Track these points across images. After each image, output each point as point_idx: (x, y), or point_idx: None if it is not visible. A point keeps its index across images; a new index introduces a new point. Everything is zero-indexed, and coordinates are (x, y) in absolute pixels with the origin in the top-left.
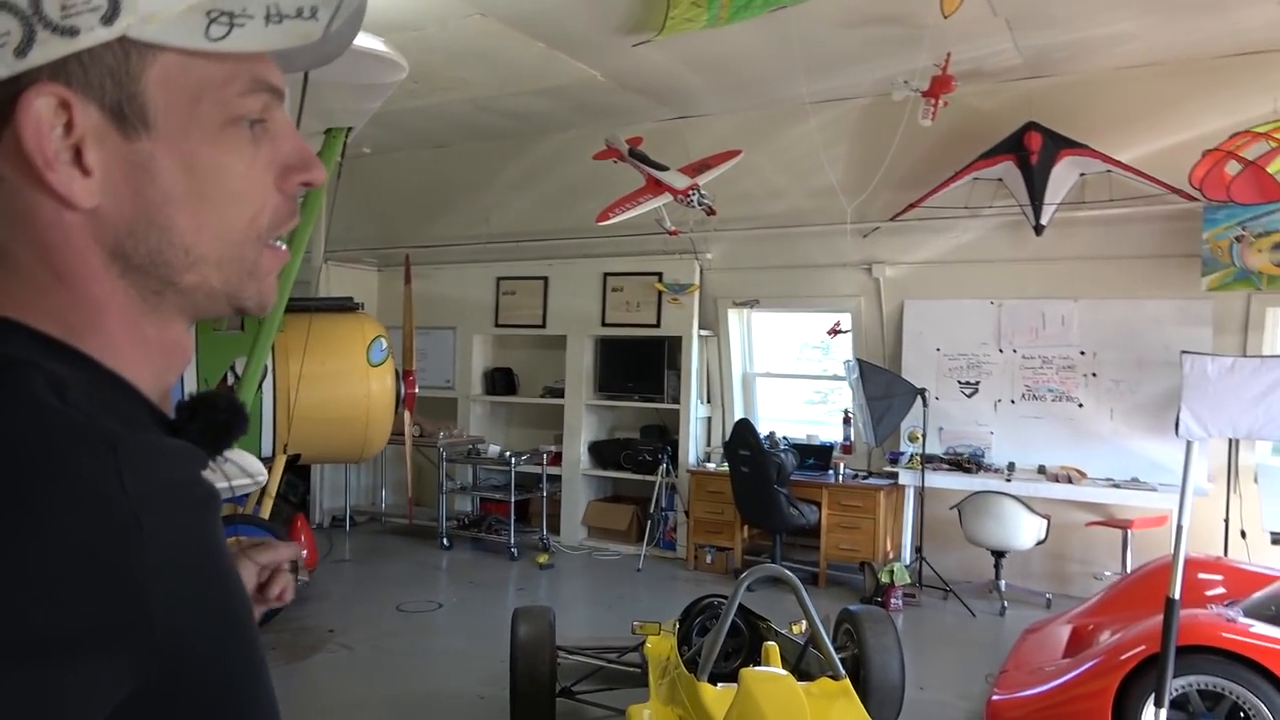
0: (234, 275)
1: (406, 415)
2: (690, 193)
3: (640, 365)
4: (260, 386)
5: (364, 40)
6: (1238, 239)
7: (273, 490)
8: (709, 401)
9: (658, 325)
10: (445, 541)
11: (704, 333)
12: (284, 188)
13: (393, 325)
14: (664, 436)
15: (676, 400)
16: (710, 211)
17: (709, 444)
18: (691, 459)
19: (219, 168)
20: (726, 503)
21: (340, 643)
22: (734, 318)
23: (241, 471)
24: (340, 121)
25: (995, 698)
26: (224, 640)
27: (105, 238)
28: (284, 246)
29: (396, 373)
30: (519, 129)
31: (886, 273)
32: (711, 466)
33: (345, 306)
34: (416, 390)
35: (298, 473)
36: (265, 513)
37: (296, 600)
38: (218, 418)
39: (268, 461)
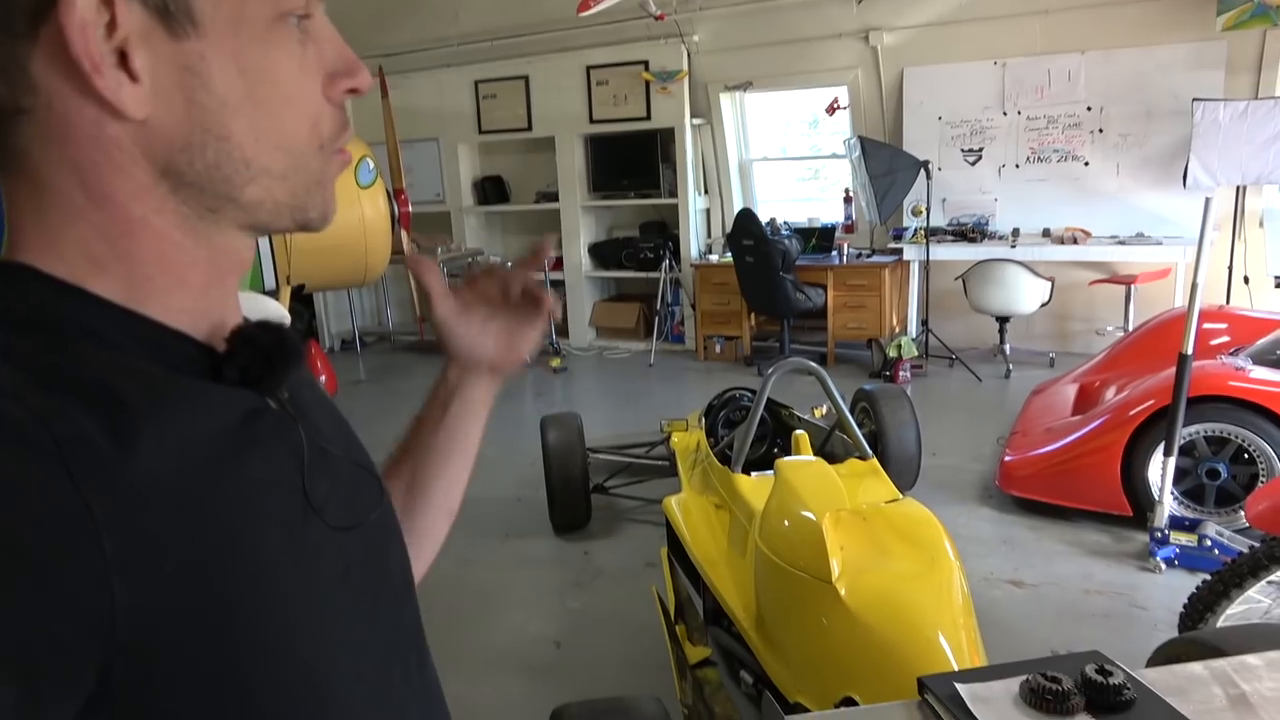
0: (300, 188)
1: (404, 234)
2: None
3: (633, 161)
4: None
5: None
6: None
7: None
8: (706, 192)
9: (648, 118)
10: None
11: (696, 121)
12: (331, 95)
13: (375, 143)
14: (664, 232)
15: (674, 194)
16: None
17: (709, 236)
18: (694, 252)
19: (273, 69)
20: (732, 293)
21: None
22: (727, 103)
23: (263, 315)
24: None
25: (1008, 458)
26: (221, 619)
27: (157, 153)
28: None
29: (387, 192)
30: None
31: (884, 40)
32: (715, 258)
33: None
34: (410, 208)
35: (302, 301)
36: None
37: None
38: (257, 357)
39: (272, 294)
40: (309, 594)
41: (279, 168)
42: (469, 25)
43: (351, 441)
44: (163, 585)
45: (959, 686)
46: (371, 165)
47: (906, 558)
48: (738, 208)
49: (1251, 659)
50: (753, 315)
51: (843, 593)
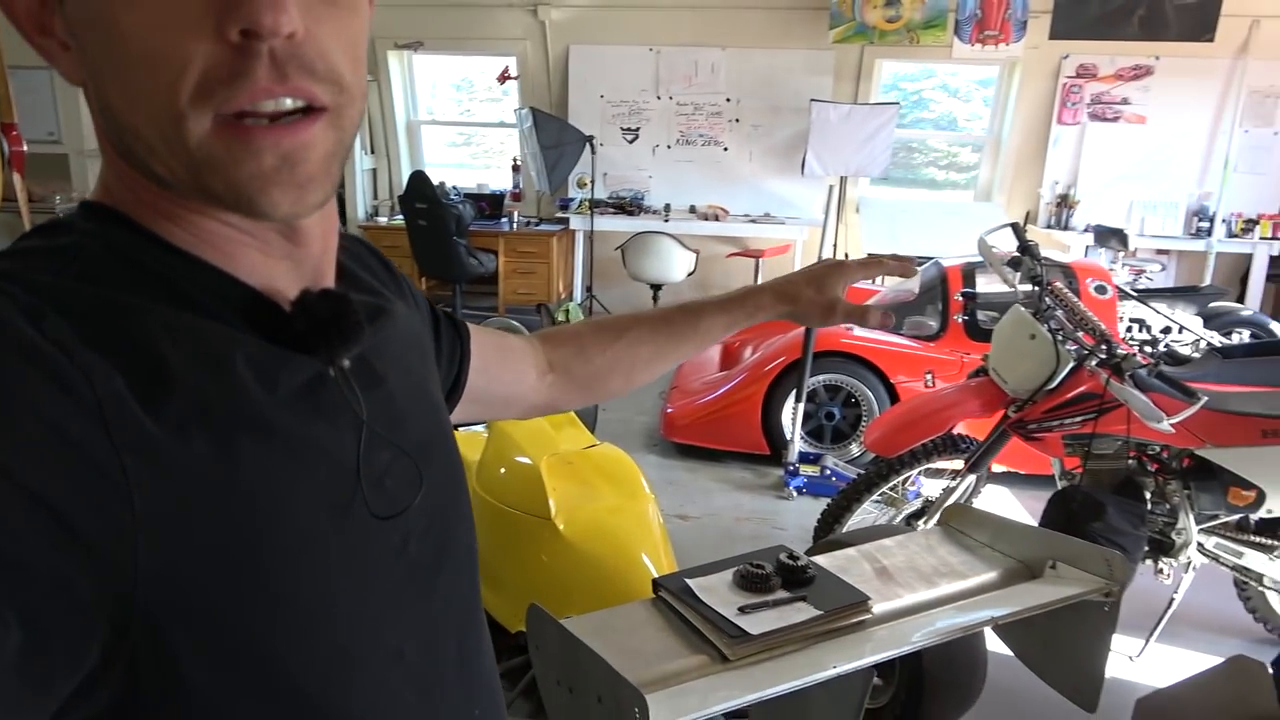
0: (183, 167)
1: (16, 178)
2: None
3: None
4: None
5: None
6: None
7: None
8: (373, 152)
9: None
10: None
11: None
12: (228, 38)
13: None
14: None
15: None
16: None
17: (375, 197)
18: (360, 214)
19: (115, 23)
20: (403, 256)
21: None
22: (395, 62)
23: None
24: None
25: (668, 410)
26: (247, 589)
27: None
28: (287, 124)
29: None
30: None
31: (552, 15)
32: (384, 220)
33: None
34: (25, 148)
35: None
36: None
37: None
38: (313, 323)
39: None
40: (352, 570)
41: (155, 138)
42: None
43: (431, 410)
44: (190, 550)
45: (688, 581)
46: None
47: (610, 494)
48: (406, 169)
49: (886, 541)
50: (423, 279)
51: (561, 527)
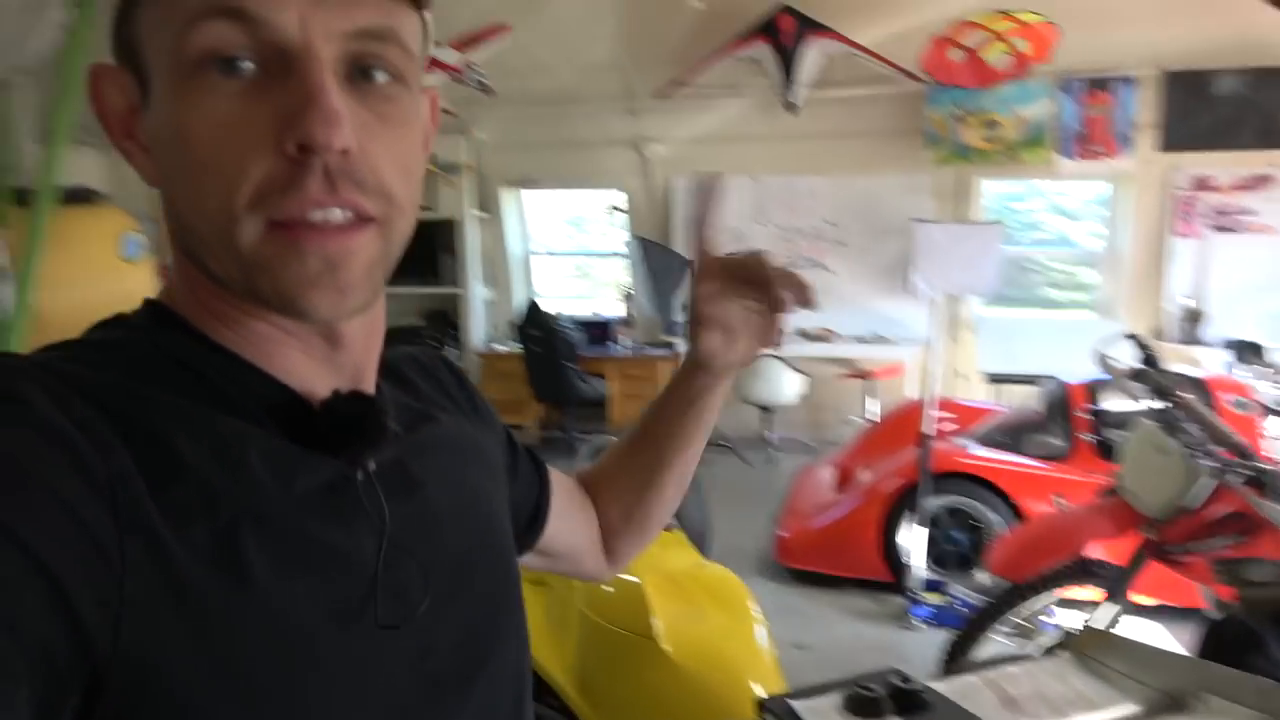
0: (235, 266)
1: None
2: (463, 70)
3: (416, 250)
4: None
5: None
6: (956, 118)
7: None
8: (491, 284)
9: (432, 209)
10: None
11: (479, 214)
12: (286, 151)
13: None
14: (447, 321)
15: (457, 284)
16: (486, 90)
17: (494, 326)
18: (478, 341)
19: (183, 130)
20: (519, 382)
21: None
22: (508, 197)
23: None
24: None
25: (782, 534)
26: (226, 698)
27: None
28: (323, 217)
29: (165, 268)
30: None
31: (656, 150)
32: (500, 348)
33: (80, 197)
34: None
35: None
36: None
37: None
38: (337, 424)
39: None
40: (352, 679)
41: (211, 239)
42: None
43: (478, 520)
44: (171, 637)
45: (793, 704)
46: (139, 240)
47: (718, 615)
48: (519, 299)
49: (1012, 668)
50: (538, 403)
51: (666, 648)
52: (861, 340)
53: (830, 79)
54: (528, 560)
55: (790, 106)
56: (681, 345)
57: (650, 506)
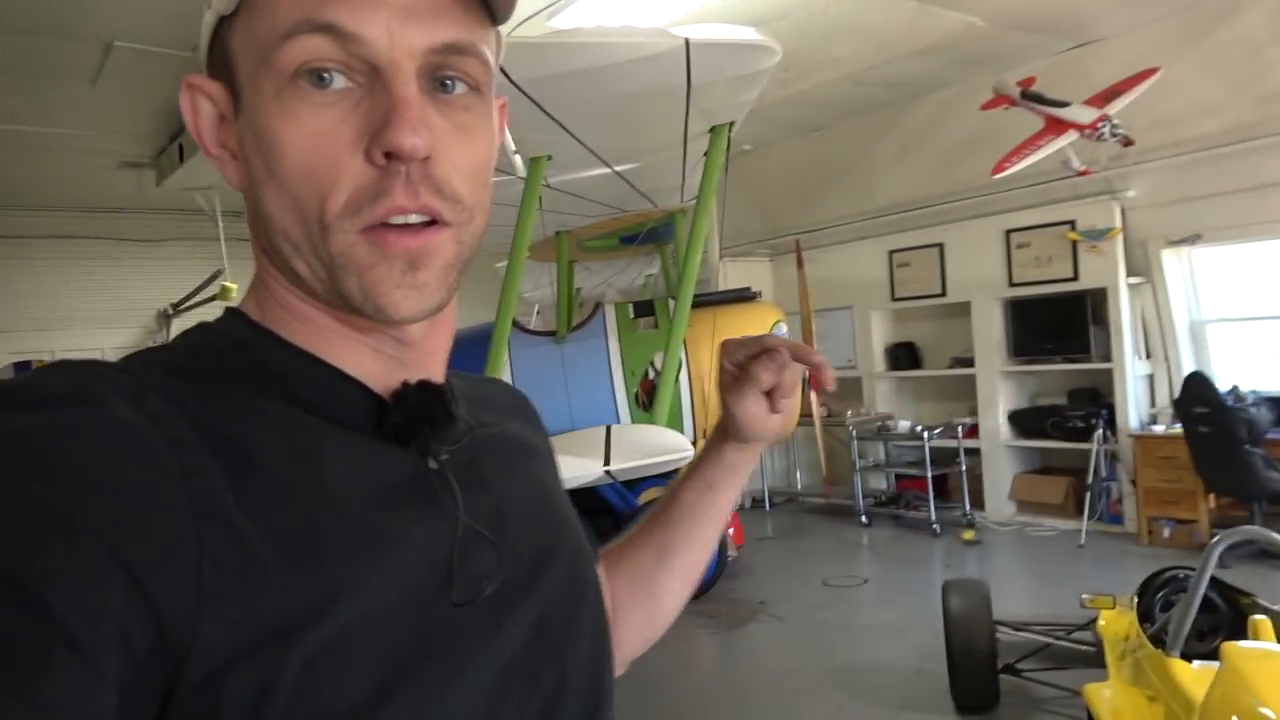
0: (323, 268)
1: (813, 396)
2: (1100, 125)
3: (1059, 324)
4: (678, 379)
5: (735, 32)
6: None
7: None
8: (1148, 357)
9: (1075, 279)
10: (864, 519)
11: (1133, 280)
12: (375, 160)
13: (790, 312)
14: (1096, 399)
15: (1107, 359)
16: (1127, 142)
17: (1153, 404)
18: (1133, 422)
19: (277, 139)
20: (1183, 469)
21: (771, 614)
22: (1171, 259)
23: (665, 449)
24: (721, 117)
25: None
26: (309, 675)
27: (251, 223)
28: (403, 220)
29: None
30: (895, 97)
31: None
32: (1159, 429)
33: (743, 297)
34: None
35: None
36: None
37: (728, 575)
38: (408, 413)
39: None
40: (429, 662)
41: (305, 243)
42: (884, 199)
43: (549, 517)
44: (249, 626)
45: None
46: (785, 330)
47: None
48: (1187, 373)
49: None
50: (1211, 496)
51: None
52: None
53: None
54: None
55: None
56: None
57: (657, 593)
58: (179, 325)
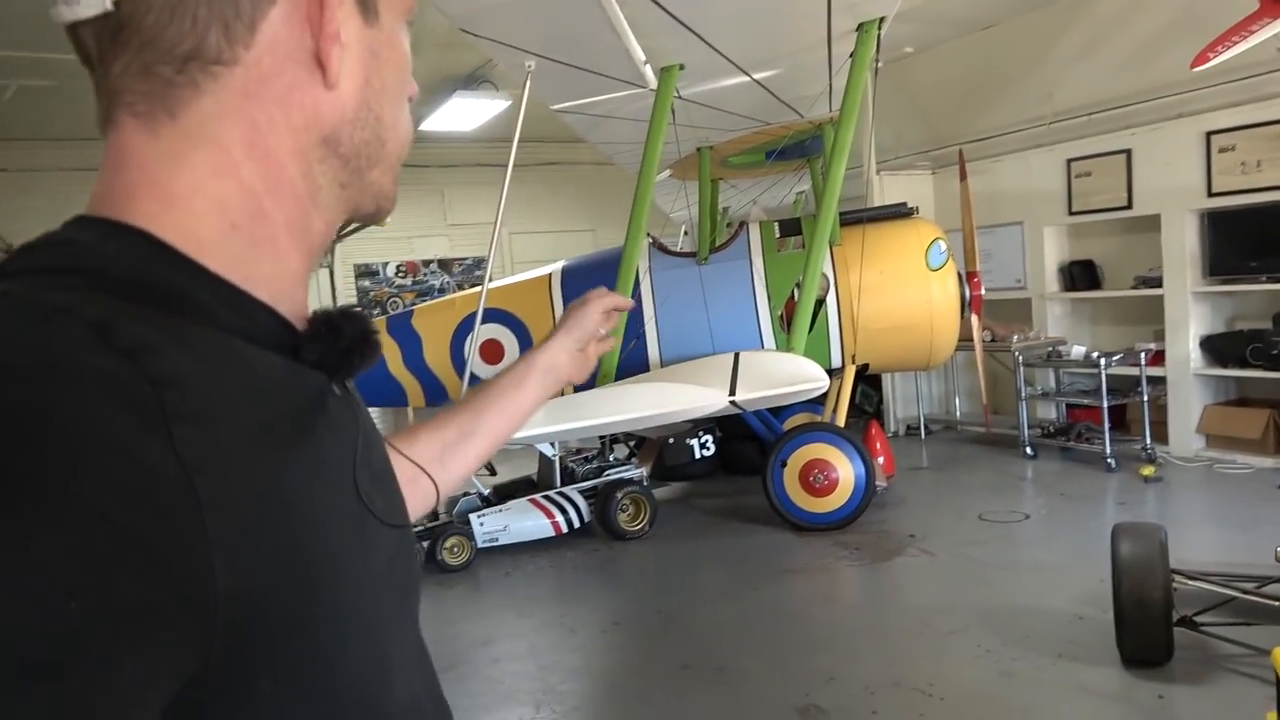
0: (390, 178)
1: (974, 319)
2: None
3: (1266, 239)
4: (824, 300)
5: None
6: None
7: (845, 400)
8: None
9: None
10: (1029, 450)
11: None
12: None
13: (952, 229)
14: None
15: None
16: None
17: None
18: None
19: (403, 63)
20: None
21: (920, 548)
22: None
23: (797, 379)
24: (868, 13)
25: None
26: (304, 599)
27: (327, 120)
28: None
29: (959, 276)
30: None
31: None
32: None
33: (898, 213)
34: (983, 292)
35: (870, 382)
36: (840, 421)
37: (876, 504)
38: (339, 343)
39: (837, 372)
40: (368, 580)
41: (395, 153)
42: (1063, 102)
43: (381, 442)
44: (258, 564)
45: None
46: (944, 248)
47: None
48: None
49: None
50: None
51: None
52: None
53: None
54: None
55: None
56: None
57: (449, 463)
58: (341, 252)
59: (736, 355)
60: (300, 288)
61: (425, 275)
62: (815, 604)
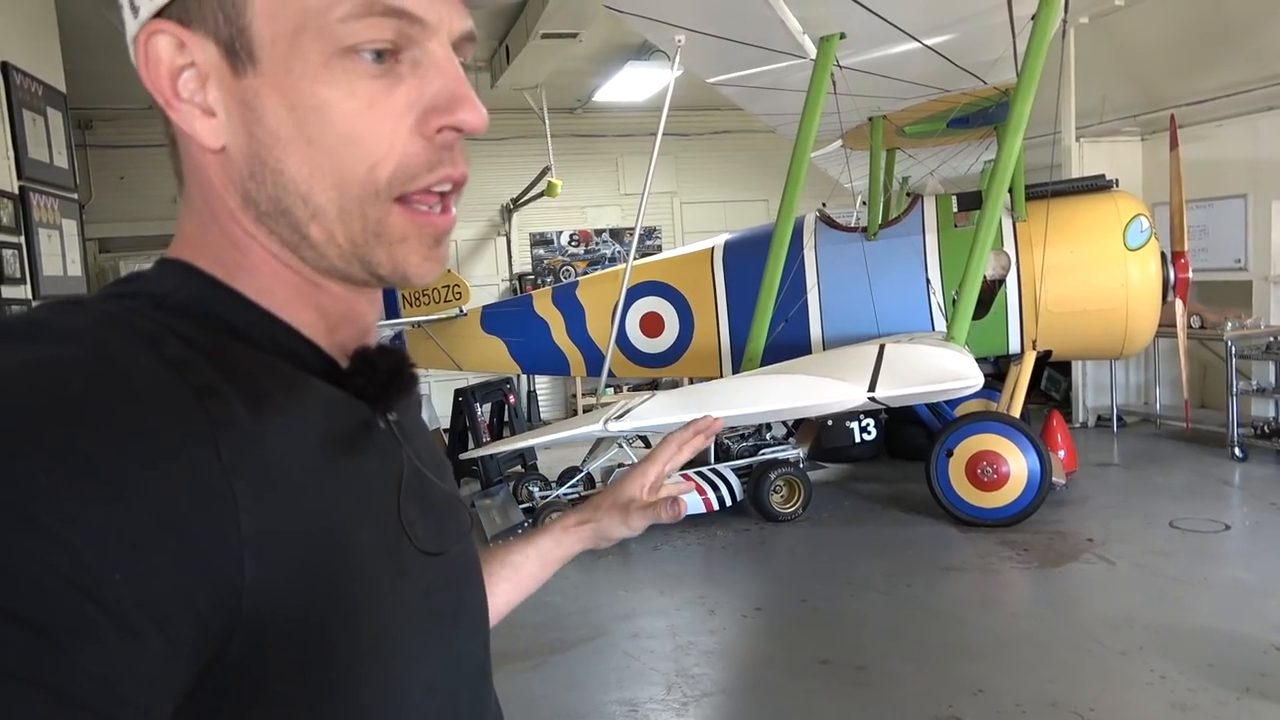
0: (358, 234)
1: (1179, 304)
2: None
3: None
4: (1003, 281)
5: None
6: None
7: (1023, 388)
8: None
9: None
10: (1238, 451)
11: None
12: (425, 132)
13: (1162, 202)
14: None
15: None
16: None
17: None
18: None
19: (323, 106)
20: None
21: (1099, 554)
22: None
23: (946, 376)
24: None
25: None
26: (326, 609)
27: (235, 180)
28: (438, 210)
29: (1163, 255)
30: None
31: None
32: None
33: (1095, 186)
34: (1190, 274)
35: (1059, 366)
36: (1015, 411)
37: (1052, 503)
38: (376, 376)
39: (1015, 358)
40: (395, 603)
41: (333, 208)
42: None
43: (446, 474)
44: (286, 569)
45: None
46: (1146, 225)
47: None
48: None
49: None
50: None
51: None
52: None
53: None
54: None
55: None
56: None
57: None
58: (517, 221)
59: (882, 346)
60: (333, 339)
61: (597, 245)
62: (972, 607)
